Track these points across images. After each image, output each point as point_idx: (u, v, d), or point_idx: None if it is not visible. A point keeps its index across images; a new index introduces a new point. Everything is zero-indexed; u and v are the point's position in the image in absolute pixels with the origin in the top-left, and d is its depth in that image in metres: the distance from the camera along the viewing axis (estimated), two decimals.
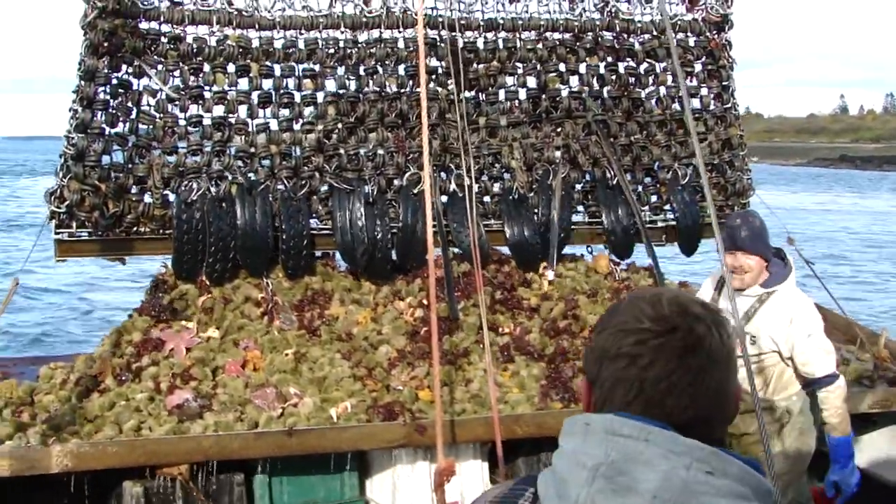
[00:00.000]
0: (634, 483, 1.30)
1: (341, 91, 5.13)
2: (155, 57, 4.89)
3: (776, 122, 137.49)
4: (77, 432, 4.04)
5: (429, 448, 4.49)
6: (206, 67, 4.97)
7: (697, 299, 1.49)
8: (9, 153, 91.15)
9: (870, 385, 5.01)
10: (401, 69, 5.21)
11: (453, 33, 5.16)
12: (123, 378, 4.40)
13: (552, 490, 1.38)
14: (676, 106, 5.63)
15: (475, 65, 5.29)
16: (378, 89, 5.16)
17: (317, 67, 5.11)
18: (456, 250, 5.06)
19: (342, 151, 5.10)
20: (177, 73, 4.94)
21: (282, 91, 5.07)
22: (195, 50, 4.94)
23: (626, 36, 5.58)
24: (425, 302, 4.93)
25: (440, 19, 5.20)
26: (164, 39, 4.91)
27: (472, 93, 5.30)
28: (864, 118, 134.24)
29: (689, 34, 5.60)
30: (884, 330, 5.51)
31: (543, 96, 5.42)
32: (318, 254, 5.08)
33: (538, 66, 5.42)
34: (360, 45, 5.15)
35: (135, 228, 4.76)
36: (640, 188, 5.51)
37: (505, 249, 5.24)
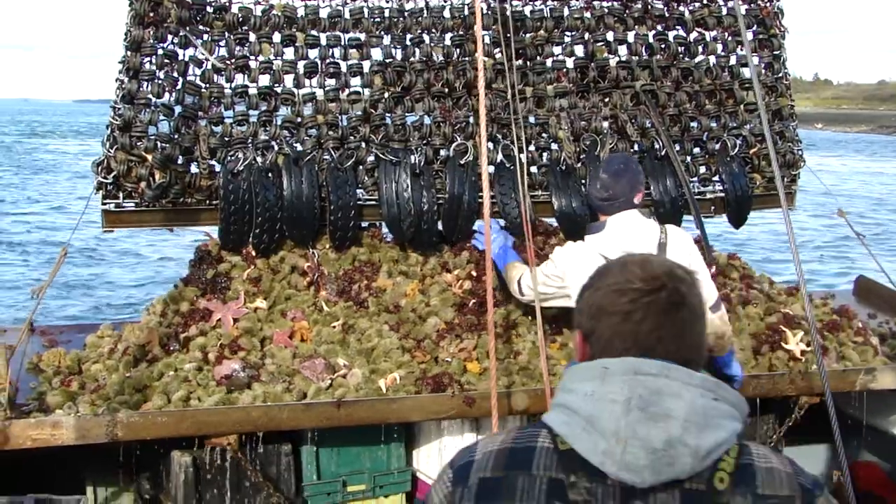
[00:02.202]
0: (667, 411, 1.51)
1: (387, 60, 4.89)
2: (200, 27, 4.68)
3: (844, 88, 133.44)
4: (126, 402, 3.88)
5: (476, 420, 4.32)
6: (252, 37, 4.74)
7: (679, 264, 1.70)
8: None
9: None
10: (447, 38, 4.95)
11: (503, 2, 4.89)
12: (171, 348, 4.23)
13: (577, 429, 1.53)
14: (726, 76, 5.33)
15: (522, 34, 5.02)
16: (424, 59, 4.91)
17: (363, 37, 4.87)
18: (502, 222, 4.81)
19: (388, 121, 4.87)
20: (222, 43, 4.72)
21: (328, 61, 4.84)
22: (241, 19, 4.71)
23: (675, 4, 5.27)
24: (474, 274, 4.71)
25: None
26: (209, 9, 4.68)
27: (519, 62, 5.03)
28: None
29: (740, 2, 5.27)
30: None
31: (591, 65, 5.14)
32: (364, 224, 4.86)
33: (586, 36, 5.14)
34: (405, 14, 4.90)
35: (181, 199, 4.56)
36: (688, 159, 5.23)
37: (552, 221, 4.98)
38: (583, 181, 4.97)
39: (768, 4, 5.32)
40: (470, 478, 1.59)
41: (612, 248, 3.86)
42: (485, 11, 4.94)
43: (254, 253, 4.65)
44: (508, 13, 4.86)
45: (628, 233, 4.02)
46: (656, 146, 5.10)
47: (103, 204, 4.49)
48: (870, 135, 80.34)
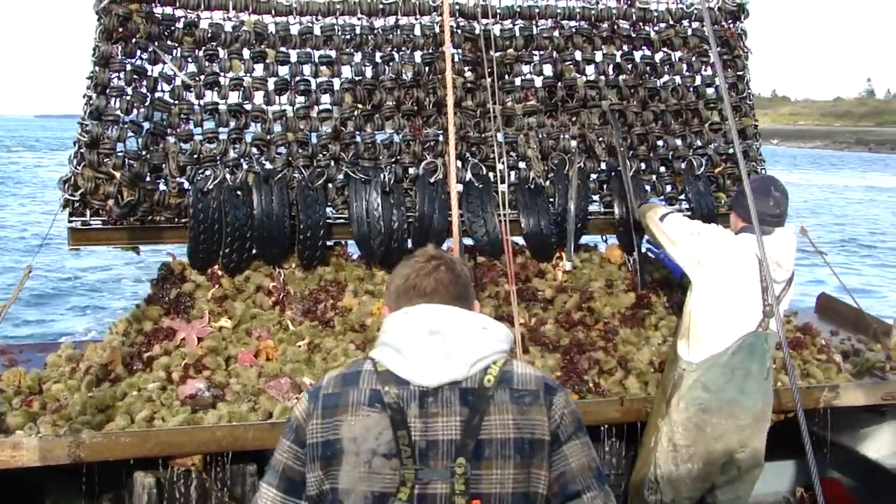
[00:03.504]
0: (447, 335, 2.10)
1: (358, 78, 4.80)
2: (170, 43, 4.56)
3: (802, 105, 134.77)
4: (88, 422, 3.75)
5: None
6: (222, 53, 4.63)
7: (443, 251, 2.41)
8: None
9: (881, 377, 4.70)
10: (417, 56, 4.87)
11: (472, 21, 4.82)
12: (135, 367, 4.10)
13: (389, 355, 2.13)
14: (692, 95, 5.29)
15: (492, 52, 4.94)
16: (395, 76, 4.81)
17: (333, 54, 4.78)
18: (469, 241, 4.73)
19: (359, 139, 4.77)
20: (192, 59, 4.60)
21: (298, 78, 4.74)
22: (211, 35, 4.61)
23: (642, 25, 5.23)
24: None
25: (457, 7, 4.86)
26: (179, 25, 4.57)
27: (489, 80, 4.96)
28: (890, 102, 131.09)
29: (708, 24, 5.22)
30: None
31: (559, 85, 5.07)
32: (329, 243, 4.76)
33: (555, 55, 5.07)
34: (376, 32, 4.81)
35: (150, 217, 4.43)
36: (654, 178, 5.17)
37: (519, 239, 4.89)
38: (550, 199, 4.90)
39: (732, 26, 5.28)
40: (319, 396, 2.16)
41: (775, 256, 3.88)
42: (455, 30, 4.87)
43: (220, 272, 4.53)
44: (479, 31, 4.78)
45: (788, 247, 3.99)
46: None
47: (70, 221, 4.35)
48: (822, 150, 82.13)
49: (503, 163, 4.80)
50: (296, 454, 2.14)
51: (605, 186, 5.09)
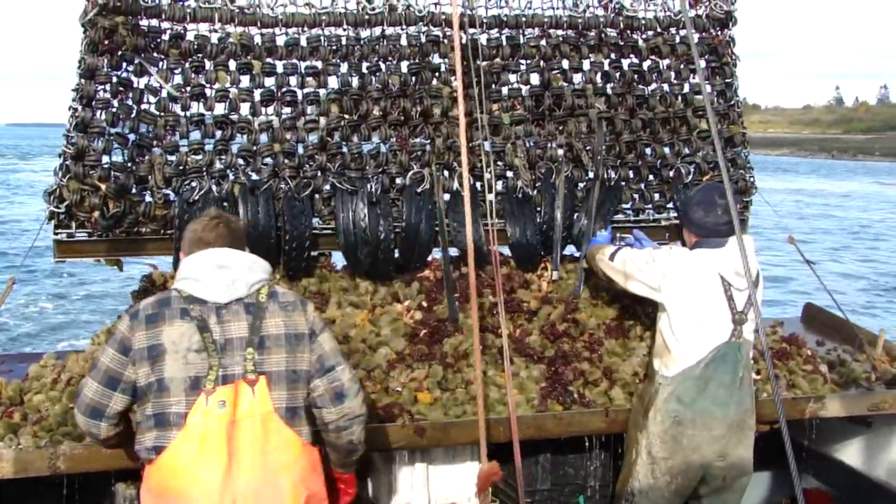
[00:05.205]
0: (230, 266, 2.97)
1: (344, 89, 4.71)
2: (156, 55, 4.48)
3: (772, 112, 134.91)
4: (70, 433, 3.68)
5: (426, 450, 4.15)
6: (208, 65, 4.55)
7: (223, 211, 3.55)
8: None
9: (867, 387, 4.60)
10: (404, 66, 4.78)
11: (459, 31, 4.72)
12: None
13: (190, 284, 2.95)
14: (680, 103, 5.19)
15: (479, 62, 4.84)
16: (381, 87, 4.73)
17: (319, 65, 4.69)
18: (455, 252, 4.64)
19: (345, 150, 4.69)
20: (178, 70, 4.52)
21: (284, 89, 4.65)
22: (196, 47, 4.52)
23: (629, 32, 5.12)
24: (424, 304, 4.53)
25: (444, 17, 4.77)
26: (165, 37, 4.48)
27: (476, 89, 4.86)
28: (857, 110, 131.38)
29: (693, 31, 5.12)
30: (882, 331, 5.07)
31: (547, 93, 4.97)
32: (315, 254, 4.67)
33: (541, 63, 4.97)
34: (362, 42, 4.72)
35: (136, 229, 4.36)
36: (642, 186, 5.07)
37: (504, 249, 4.79)
38: (538, 209, 4.80)
39: (720, 33, 5.17)
40: (139, 315, 2.92)
41: (730, 266, 3.80)
42: (442, 40, 4.78)
43: None
44: (465, 41, 4.69)
45: (746, 252, 3.73)
46: (611, 175, 4.94)
47: (55, 234, 4.28)
48: (790, 157, 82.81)
49: (490, 172, 4.71)
50: (119, 360, 2.90)
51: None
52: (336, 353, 3.05)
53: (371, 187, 4.62)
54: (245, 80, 4.61)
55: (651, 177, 5.13)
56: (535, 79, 5.00)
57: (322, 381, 2.99)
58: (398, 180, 4.73)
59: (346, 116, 4.69)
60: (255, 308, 2.94)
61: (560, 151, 4.96)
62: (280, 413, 2.91)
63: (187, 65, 4.52)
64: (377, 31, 4.74)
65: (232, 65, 4.58)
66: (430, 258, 4.73)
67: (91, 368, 2.98)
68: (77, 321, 13.78)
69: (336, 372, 3.00)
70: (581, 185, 4.95)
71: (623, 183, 5.00)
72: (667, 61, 5.16)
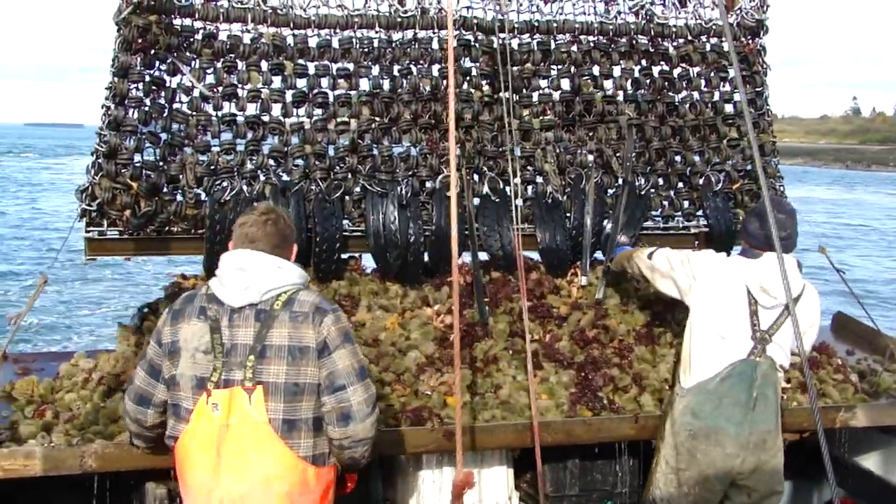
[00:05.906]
0: (248, 270, 2.95)
1: (375, 91, 4.68)
2: (188, 54, 4.46)
3: (789, 122, 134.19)
4: (101, 432, 3.65)
5: (455, 454, 4.09)
6: (241, 65, 4.53)
7: (278, 207, 3.37)
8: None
9: None
10: (435, 70, 4.75)
11: (490, 35, 4.70)
12: None
13: (216, 284, 2.97)
14: (710, 111, 5.14)
15: (509, 67, 4.81)
16: (412, 90, 4.70)
17: (351, 67, 4.67)
18: (485, 256, 4.60)
19: (376, 152, 4.66)
20: (210, 70, 4.51)
21: (316, 90, 4.63)
22: (229, 47, 4.50)
23: (660, 40, 5.08)
24: (454, 308, 4.48)
25: (475, 21, 4.74)
26: (198, 36, 4.47)
27: (506, 95, 4.83)
28: (874, 120, 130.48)
29: (723, 39, 5.09)
30: None
31: (577, 99, 4.94)
32: (344, 256, 4.64)
33: (572, 69, 4.94)
34: (394, 45, 4.70)
35: (167, 228, 4.34)
36: (672, 193, 5.03)
37: (533, 255, 4.75)
38: (567, 214, 4.76)
39: (751, 42, 5.13)
40: (171, 310, 3.02)
41: (756, 280, 3.72)
42: (472, 44, 4.75)
43: None
44: (496, 45, 4.66)
45: (781, 273, 3.42)
46: (640, 182, 4.90)
47: (87, 231, 4.26)
48: (803, 166, 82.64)
49: (519, 176, 4.67)
50: (156, 351, 3.01)
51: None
52: (350, 372, 2.91)
53: (401, 190, 4.58)
54: (277, 81, 4.60)
55: (680, 184, 5.09)
56: (565, 84, 4.97)
57: (330, 399, 2.91)
58: (428, 183, 4.70)
59: (377, 119, 4.66)
60: (265, 316, 2.90)
61: (590, 157, 4.93)
62: (275, 425, 2.86)
63: (219, 64, 4.51)
64: (409, 34, 4.72)
65: (264, 65, 4.57)
66: (459, 262, 4.68)
67: (140, 358, 3.09)
68: (107, 321, 13.81)
69: (346, 392, 2.89)
70: (611, 191, 4.90)
71: (653, 190, 4.96)
72: (697, 69, 5.12)
